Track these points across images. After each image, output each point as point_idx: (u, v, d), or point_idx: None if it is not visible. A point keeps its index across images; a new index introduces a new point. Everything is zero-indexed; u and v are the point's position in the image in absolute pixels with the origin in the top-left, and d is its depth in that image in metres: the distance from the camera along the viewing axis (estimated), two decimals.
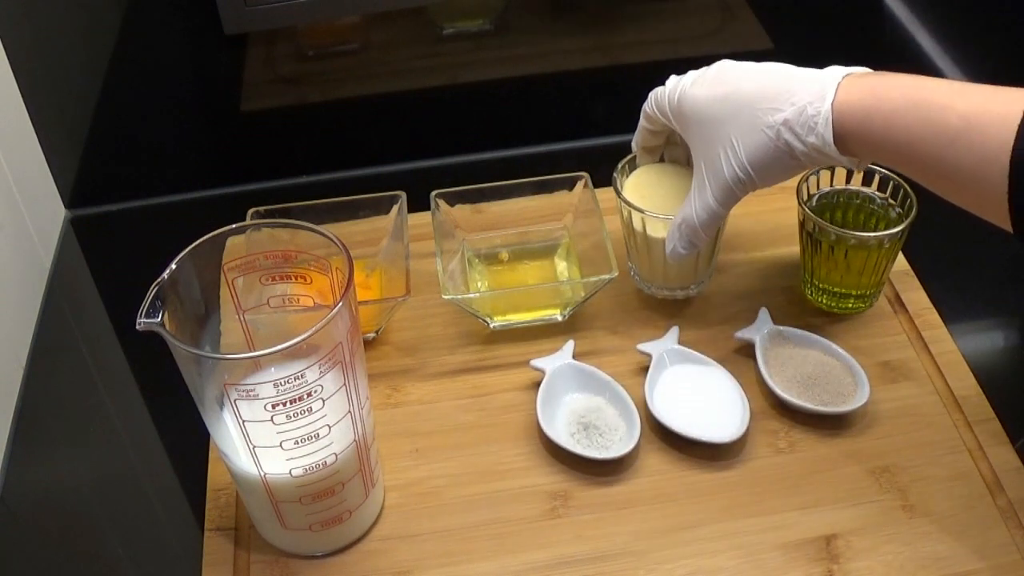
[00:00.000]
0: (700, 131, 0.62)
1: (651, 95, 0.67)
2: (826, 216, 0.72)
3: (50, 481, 0.69)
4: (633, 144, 0.73)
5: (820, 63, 0.71)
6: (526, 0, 0.87)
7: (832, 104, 0.56)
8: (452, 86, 0.90)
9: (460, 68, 0.90)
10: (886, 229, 0.70)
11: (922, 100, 0.54)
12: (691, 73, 0.65)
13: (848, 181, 0.74)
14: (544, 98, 0.93)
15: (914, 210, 0.70)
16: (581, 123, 0.94)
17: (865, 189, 0.74)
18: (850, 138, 0.57)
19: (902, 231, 0.69)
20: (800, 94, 0.58)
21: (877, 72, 0.58)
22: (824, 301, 0.75)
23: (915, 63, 0.93)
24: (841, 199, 0.75)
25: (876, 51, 0.94)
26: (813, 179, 0.74)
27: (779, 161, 0.60)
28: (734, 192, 0.62)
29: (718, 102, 0.61)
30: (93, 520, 0.67)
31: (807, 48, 0.92)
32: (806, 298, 0.76)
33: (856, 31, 0.93)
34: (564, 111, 0.94)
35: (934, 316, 0.74)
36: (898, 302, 0.76)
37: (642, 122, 0.70)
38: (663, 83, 0.93)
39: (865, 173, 0.73)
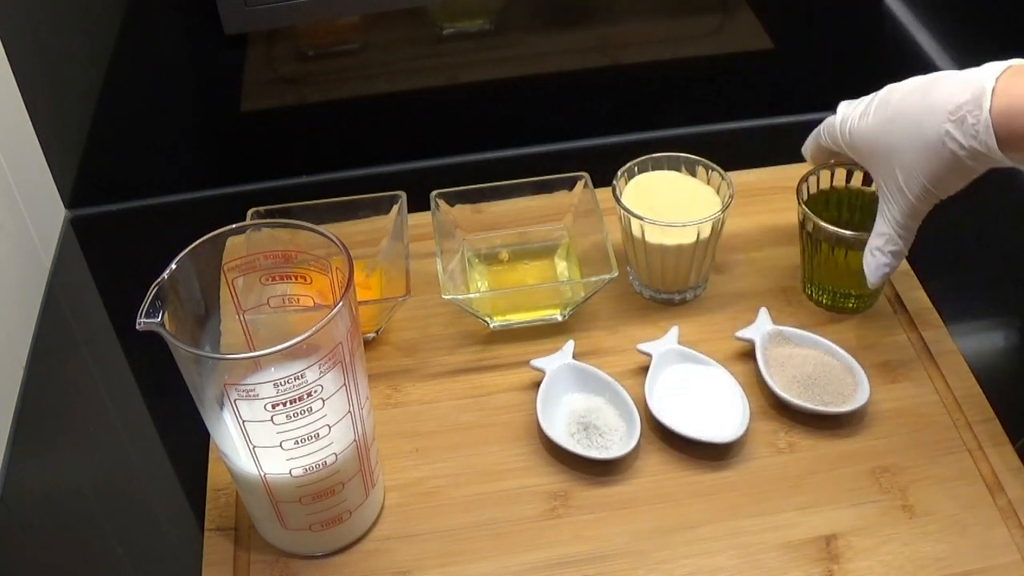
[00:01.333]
0: (877, 157, 0.64)
1: (823, 127, 0.69)
2: (826, 216, 0.71)
3: (50, 481, 0.69)
4: (806, 154, 0.74)
5: (820, 63, 0.71)
6: (526, 0, 0.87)
7: (991, 108, 0.56)
8: (452, 86, 0.90)
9: (460, 68, 0.90)
10: None
11: None
12: (859, 102, 0.66)
13: (848, 181, 0.74)
14: (544, 98, 0.93)
15: None
16: (581, 123, 0.94)
17: (866, 188, 0.73)
18: (1016, 140, 0.56)
19: None
20: (957, 101, 0.57)
21: None
22: (824, 301, 0.75)
23: (915, 63, 0.93)
24: (842, 198, 0.74)
25: (876, 51, 0.94)
26: (813, 179, 0.74)
27: (953, 171, 0.60)
28: (921, 208, 0.64)
29: (884, 129, 0.62)
30: (93, 520, 0.67)
31: (807, 48, 0.92)
32: (806, 298, 0.76)
33: (856, 31, 0.93)
34: (564, 111, 0.94)
35: (934, 316, 0.74)
36: (898, 302, 0.76)
37: (814, 145, 0.72)
38: (662, 83, 0.93)
39: (865, 172, 0.72)
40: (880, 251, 0.66)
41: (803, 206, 0.72)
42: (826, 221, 0.70)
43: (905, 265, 0.78)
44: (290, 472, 0.56)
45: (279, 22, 0.82)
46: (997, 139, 0.56)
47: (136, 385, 0.76)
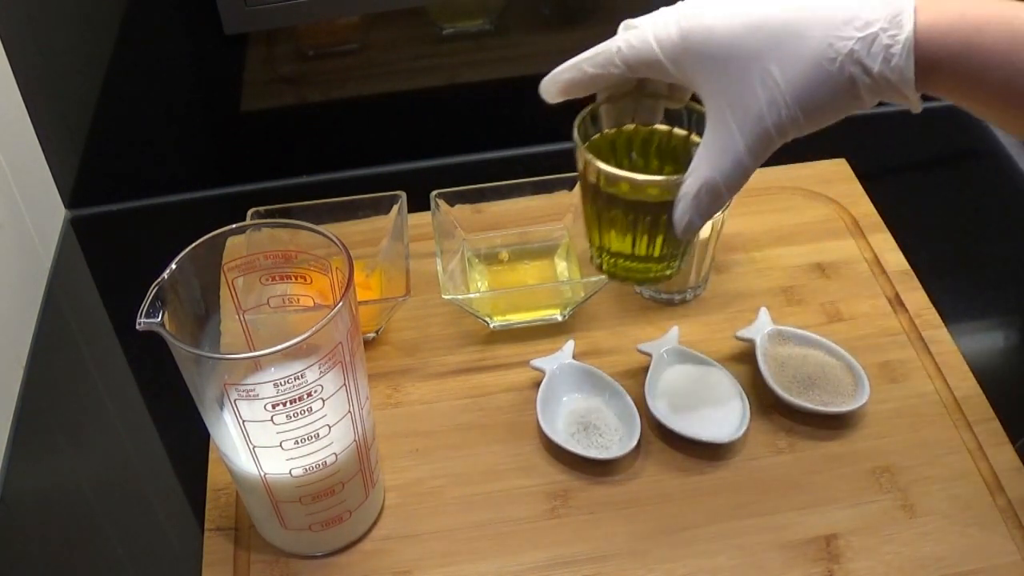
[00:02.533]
0: (721, 71, 0.50)
1: (622, 43, 0.53)
2: (614, 163, 0.55)
3: (50, 481, 0.69)
4: (551, 88, 0.57)
5: None
6: (526, 0, 0.87)
7: (915, 27, 0.46)
8: (452, 86, 0.90)
9: (460, 68, 0.90)
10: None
11: None
12: (678, 6, 0.51)
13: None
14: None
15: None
16: None
17: (662, 128, 0.59)
18: (939, 73, 0.47)
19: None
20: (867, 17, 0.47)
21: None
22: (614, 269, 0.60)
23: None
24: (631, 142, 0.59)
25: None
26: (593, 118, 0.59)
27: (837, 101, 0.48)
28: (773, 140, 0.50)
29: (747, 32, 0.49)
30: (93, 520, 0.67)
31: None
32: (596, 268, 0.62)
33: None
34: (564, 111, 0.94)
35: (934, 316, 0.74)
36: (898, 302, 0.76)
37: (588, 72, 0.55)
38: None
39: (646, 98, 0.58)
40: (697, 198, 0.52)
41: (584, 150, 0.56)
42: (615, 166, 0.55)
43: (905, 265, 0.78)
44: (290, 472, 0.56)
45: (279, 22, 0.82)
46: (917, 68, 0.46)
47: (136, 385, 0.76)
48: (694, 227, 0.53)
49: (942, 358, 0.71)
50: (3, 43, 0.78)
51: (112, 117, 0.86)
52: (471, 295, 0.74)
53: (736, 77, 0.49)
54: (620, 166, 0.55)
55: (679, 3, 0.52)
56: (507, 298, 0.76)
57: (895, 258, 0.79)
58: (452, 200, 0.77)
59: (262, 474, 0.56)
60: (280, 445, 0.54)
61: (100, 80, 0.84)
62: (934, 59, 0.46)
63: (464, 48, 0.89)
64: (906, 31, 0.46)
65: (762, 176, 0.87)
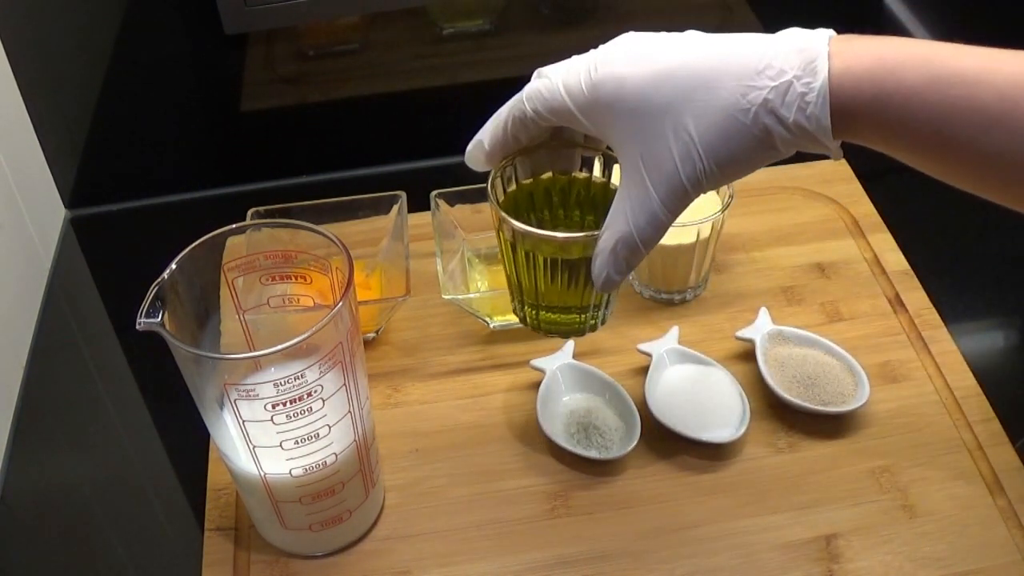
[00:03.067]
0: (631, 124, 0.48)
1: (527, 93, 0.51)
2: (526, 218, 0.54)
3: (50, 481, 0.69)
4: (479, 155, 0.56)
5: None
6: (526, 0, 0.87)
7: (829, 76, 0.45)
8: (452, 86, 0.90)
9: (460, 68, 0.90)
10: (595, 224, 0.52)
11: (947, 74, 0.43)
12: (590, 55, 0.50)
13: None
14: None
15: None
16: None
17: (577, 176, 0.57)
18: (858, 119, 0.45)
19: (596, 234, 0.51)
20: (779, 67, 0.45)
21: (869, 36, 0.47)
22: (540, 324, 0.59)
23: None
24: (539, 197, 0.57)
25: None
26: (502, 176, 0.57)
27: (752, 153, 0.47)
28: (688, 194, 0.48)
29: (657, 83, 0.47)
30: (93, 520, 0.67)
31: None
32: (519, 320, 0.60)
33: (856, 31, 0.92)
34: None
35: (934, 316, 0.74)
36: (898, 302, 0.76)
37: (508, 126, 0.53)
38: None
39: (560, 146, 0.56)
40: (615, 253, 0.50)
41: (498, 208, 0.54)
42: (526, 224, 0.53)
43: (905, 265, 0.78)
44: (290, 472, 0.56)
45: (279, 22, 0.82)
46: (833, 116, 0.45)
47: (136, 385, 0.76)
48: (612, 282, 0.51)
49: (942, 358, 0.71)
50: (3, 43, 0.78)
51: (112, 117, 0.86)
52: (471, 295, 0.74)
53: (648, 129, 0.47)
54: (540, 218, 0.55)
55: (591, 51, 0.50)
56: (507, 298, 0.75)
57: (895, 258, 0.79)
58: (452, 200, 0.77)
59: (262, 474, 0.56)
60: (280, 445, 0.54)
61: (100, 80, 0.84)
62: (851, 104, 0.45)
63: (464, 48, 0.89)
64: (820, 78, 0.45)
65: (762, 176, 0.87)
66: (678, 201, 0.48)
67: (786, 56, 0.46)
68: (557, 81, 0.50)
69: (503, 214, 0.53)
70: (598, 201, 0.56)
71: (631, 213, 0.49)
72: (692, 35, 0.49)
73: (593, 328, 0.58)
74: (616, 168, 0.55)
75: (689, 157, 0.47)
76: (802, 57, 0.45)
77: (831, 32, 0.47)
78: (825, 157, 0.48)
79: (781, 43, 0.47)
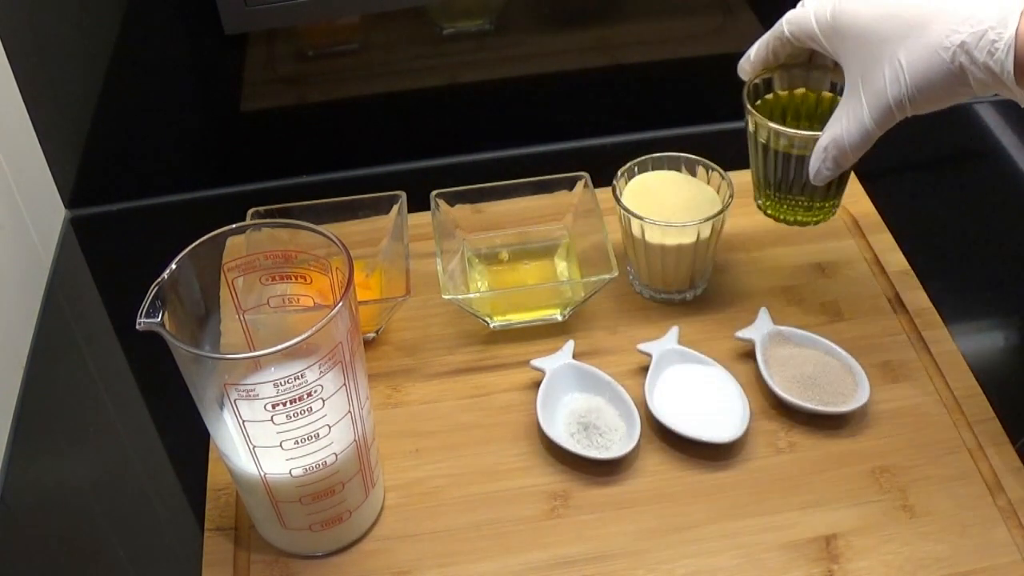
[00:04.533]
0: (859, 49, 0.60)
1: (787, 18, 0.64)
2: (777, 120, 0.68)
3: (50, 481, 0.69)
4: (745, 66, 0.69)
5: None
6: (526, 0, 0.87)
7: (1017, 30, 0.53)
8: (452, 86, 0.90)
9: (460, 68, 0.90)
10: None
11: None
12: None
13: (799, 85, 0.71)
14: (544, 98, 0.93)
15: None
16: (581, 123, 0.94)
17: (812, 93, 0.70)
18: None
19: None
20: (980, 17, 0.54)
21: None
22: (772, 211, 0.73)
23: None
24: (788, 106, 0.71)
25: None
26: (761, 85, 0.70)
27: (948, 86, 0.57)
28: (893, 114, 0.59)
29: (884, 19, 0.58)
30: (93, 520, 0.67)
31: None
32: (758, 209, 0.74)
33: None
34: (564, 111, 0.94)
35: (934, 316, 0.74)
36: (898, 302, 0.76)
37: (767, 46, 0.67)
38: (662, 83, 0.93)
39: (812, 76, 0.70)
40: (826, 151, 0.63)
41: (752, 110, 0.68)
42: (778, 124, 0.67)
43: (905, 265, 0.78)
44: (290, 472, 0.56)
45: (279, 22, 0.82)
46: (1015, 62, 0.54)
47: (136, 385, 0.76)
48: (822, 175, 0.64)
49: (942, 358, 0.71)
50: (3, 43, 0.78)
51: (112, 117, 0.86)
52: (471, 295, 0.74)
53: (870, 55, 0.59)
54: (783, 123, 0.67)
55: None
56: (507, 298, 0.76)
57: (895, 258, 0.79)
58: (452, 200, 0.77)
59: (262, 474, 0.56)
60: (280, 445, 0.54)
61: (100, 80, 0.84)
62: None
63: (464, 48, 0.89)
64: (1009, 30, 0.53)
65: None
66: (884, 117, 0.60)
67: (987, 9, 0.55)
68: (810, 9, 0.62)
69: (749, 107, 0.68)
70: (814, 115, 0.70)
71: (846, 120, 0.61)
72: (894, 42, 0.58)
73: (817, 221, 0.72)
74: None
75: (897, 81, 0.58)
76: (1001, 13, 0.54)
77: None
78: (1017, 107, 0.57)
79: (987, 1, 0.55)
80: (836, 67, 0.65)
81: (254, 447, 0.55)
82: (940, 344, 0.72)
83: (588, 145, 0.94)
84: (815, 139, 0.64)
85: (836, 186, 0.70)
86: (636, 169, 0.76)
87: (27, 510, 0.67)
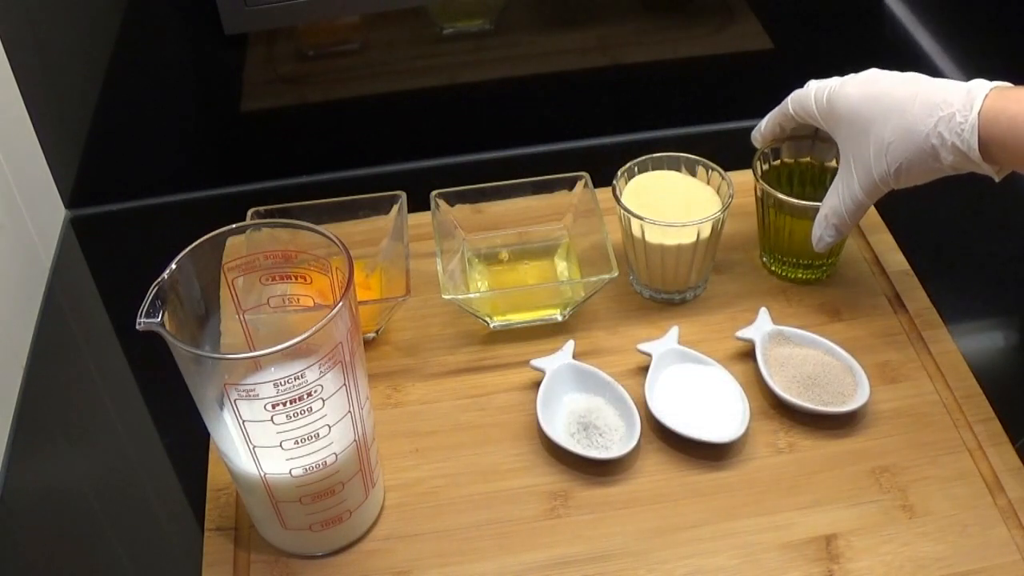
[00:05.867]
0: (850, 128, 0.66)
1: (790, 99, 0.71)
2: (779, 189, 0.74)
3: (50, 481, 0.69)
4: (757, 136, 0.75)
5: (820, 63, 0.71)
6: (526, 0, 0.87)
7: (979, 113, 0.60)
8: (452, 86, 0.90)
9: (460, 68, 0.90)
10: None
11: None
12: (835, 78, 0.69)
13: (806, 154, 0.77)
14: (544, 98, 0.93)
15: None
16: (581, 123, 0.94)
17: (815, 161, 0.76)
18: (993, 145, 0.60)
19: None
20: (951, 102, 0.61)
21: (1021, 86, 0.61)
22: (776, 269, 0.78)
23: (915, 63, 0.93)
24: (793, 172, 0.77)
25: (876, 51, 0.94)
26: (766, 153, 0.76)
27: (924, 164, 0.63)
28: (878, 186, 0.66)
29: (870, 102, 0.65)
30: (93, 520, 0.67)
31: (807, 48, 0.92)
32: (764, 269, 0.79)
33: (856, 31, 0.93)
34: (564, 111, 0.94)
35: (934, 316, 0.74)
36: (898, 302, 0.76)
37: (776, 120, 0.73)
38: (662, 83, 0.93)
39: (820, 147, 0.76)
40: (826, 220, 0.69)
41: (759, 180, 0.74)
42: (781, 193, 0.73)
43: (905, 265, 0.78)
44: (290, 472, 0.56)
45: (279, 22, 0.82)
46: (979, 142, 0.60)
47: (136, 385, 0.76)
48: (824, 243, 0.71)
49: (942, 358, 0.71)
50: (3, 43, 0.78)
51: (112, 117, 0.86)
52: (471, 295, 0.74)
53: (859, 134, 0.66)
54: (787, 192, 0.73)
55: (837, 77, 0.68)
56: (507, 298, 0.76)
57: (895, 258, 0.79)
58: (452, 200, 0.77)
59: (262, 474, 0.56)
60: (280, 445, 0.54)
61: (100, 80, 0.84)
62: (991, 135, 0.60)
63: (464, 48, 0.89)
64: (974, 112, 0.60)
65: None
66: (872, 189, 0.66)
67: (956, 95, 0.61)
68: (811, 91, 0.69)
69: (757, 176, 0.75)
70: (816, 179, 0.77)
71: (840, 191, 0.68)
72: (908, 76, 0.65)
73: (817, 278, 0.77)
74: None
75: (880, 157, 0.64)
76: (967, 97, 0.61)
77: (999, 83, 0.61)
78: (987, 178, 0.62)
79: (959, 87, 0.62)
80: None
81: (254, 447, 0.55)
82: (940, 344, 0.72)
83: (588, 145, 0.94)
84: (815, 208, 0.71)
85: (834, 247, 0.74)
86: (636, 169, 0.76)
87: (27, 510, 0.67)
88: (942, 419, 0.68)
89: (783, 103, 0.72)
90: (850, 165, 0.67)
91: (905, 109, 0.63)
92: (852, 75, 0.68)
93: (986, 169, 0.61)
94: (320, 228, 0.56)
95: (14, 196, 0.79)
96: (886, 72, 0.67)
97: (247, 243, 0.58)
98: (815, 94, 0.69)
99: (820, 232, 0.70)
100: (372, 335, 0.75)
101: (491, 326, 0.75)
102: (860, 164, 0.66)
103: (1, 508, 0.66)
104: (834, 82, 0.69)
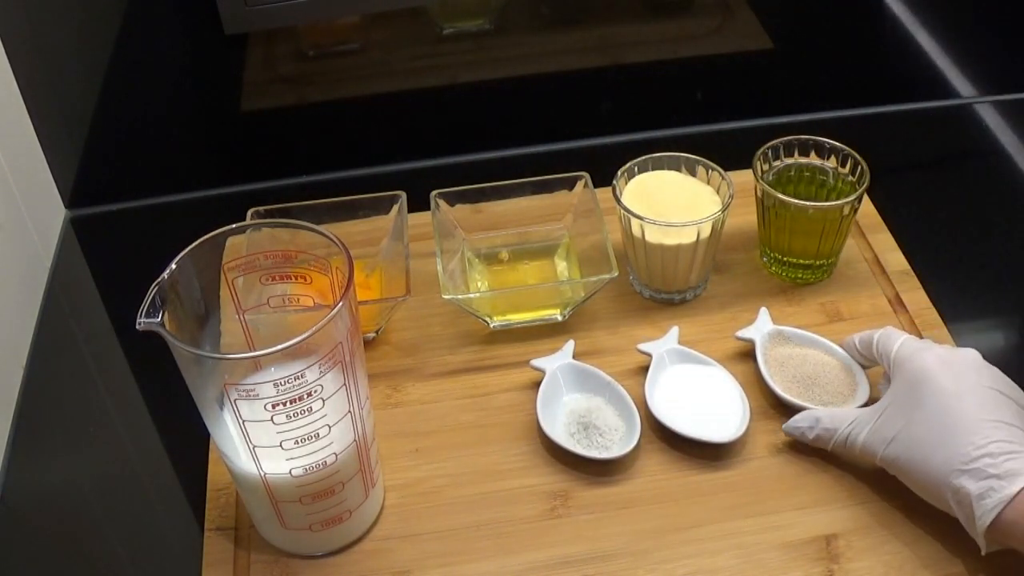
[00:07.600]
0: (902, 384, 0.61)
1: (822, 415, 0.65)
2: (781, 189, 0.74)
3: (50, 481, 0.69)
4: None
5: (820, 63, 0.71)
6: (526, 0, 0.87)
7: (1007, 502, 0.54)
8: (452, 86, 0.91)
9: (460, 68, 0.90)
10: (838, 199, 0.73)
11: None
12: (928, 342, 0.64)
13: (805, 155, 0.77)
14: (544, 98, 0.93)
15: (866, 181, 0.73)
16: (581, 123, 0.94)
17: (816, 162, 0.77)
18: (1011, 529, 0.55)
19: (854, 200, 0.72)
20: (985, 470, 0.56)
21: None
22: (778, 271, 0.78)
23: (915, 63, 0.93)
24: (795, 173, 0.77)
25: (876, 51, 0.94)
26: (766, 153, 0.77)
27: (926, 491, 0.59)
28: (878, 470, 0.62)
29: (905, 419, 0.60)
30: (93, 520, 0.67)
31: (807, 48, 0.92)
32: (764, 269, 0.79)
33: (856, 31, 0.93)
34: (564, 111, 0.94)
35: (934, 316, 0.74)
36: (898, 302, 0.76)
37: (852, 348, 0.69)
38: (663, 83, 0.93)
39: (820, 148, 0.76)
40: (818, 424, 0.64)
41: (760, 181, 0.74)
42: (782, 194, 0.73)
43: (905, 265, 0.78)
44: (290, 472, 0.56)
45: (279, 22, 0.82)
46: (993, 520, 0.55)
47: (136, 385, 0.76)
48: (791, 432, 0.65)
49: None
50: (3, 43, 0.78)
51: (112, 117, 0.86)
52: (471, 295, 0.74)
53: (907, 403, 0.60)
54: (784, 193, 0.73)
55: (863, 418, 0.62)
56: (507, 298, 0.76)
57: (895, 258, 0.79)
58: (452, 200, 0.77)
59: (262, 474, 0.56)
60: (280, 445, 0.54)
61: (100, 80, 0.84)
62: (1003, 536, 0.56)
63: (464, 48, 0.89)
64: (1004, 495, 0.54)
65: None
66: (870, 462, 0.62)
67: (993, 465, 0.55)
68: (839, 426, 0.63)
69: (758, 180, 0.75)
70: (816, 182, 0.77)
71: (851, 419, 0.63)
72: (975, 404, 0.58)
73: (816, 279, 0.77)
74: None
75: (890, 457, 0.60)
76: (994, 487, 0.55)
77: None
78: None
79: (991, 464, 0.56)
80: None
81: (254, 447, 0.55)
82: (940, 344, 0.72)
83: (588, 145, 0.94)
84: (815, 208, 0.71)
85: (834, 247, 0.75)
86: (636, 169, 0.76)
87: (27, 510, 0.67)
88: None
89: (870, 339, 0.66)
90: (885, 410, 0.61)
91: (929, 458, 0.58)
92: (947, 348, 0.63)
93: (980, 544, 0.57)
94: (320, 228, 0.56)
95: (14, 196, 0.79)
96: (970, 381, 0.60)
97: (247, 243, 0.58)
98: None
99: (800, 426, 0.65)
100: (372, 335, 0.75)
101: (491, 326, 0.75)
102: (885, 428, 0.60)
103: (1, 508, 0.66)
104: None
